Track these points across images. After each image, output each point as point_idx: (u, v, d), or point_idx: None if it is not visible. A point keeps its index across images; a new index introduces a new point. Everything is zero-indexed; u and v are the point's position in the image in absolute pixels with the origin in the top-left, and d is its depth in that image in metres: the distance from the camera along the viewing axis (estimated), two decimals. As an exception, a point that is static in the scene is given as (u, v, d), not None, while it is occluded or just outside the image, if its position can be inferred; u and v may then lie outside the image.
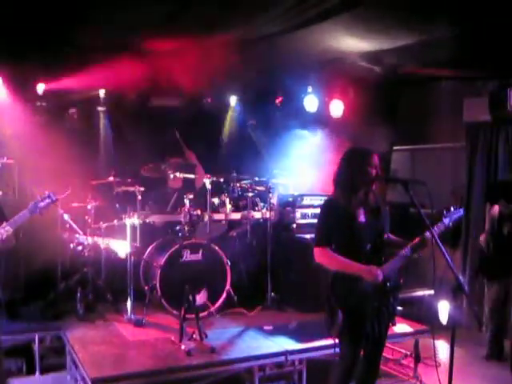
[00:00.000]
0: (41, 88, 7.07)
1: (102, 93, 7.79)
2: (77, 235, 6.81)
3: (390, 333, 4.71)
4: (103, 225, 6.76)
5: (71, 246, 6.78)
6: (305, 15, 5.18)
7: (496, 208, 6.00)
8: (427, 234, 4.13)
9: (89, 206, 6.77)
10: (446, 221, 4.32)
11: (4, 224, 4.32)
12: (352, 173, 4.22)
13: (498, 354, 6.39)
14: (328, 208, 4.31)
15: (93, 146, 7.84)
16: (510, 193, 5.90)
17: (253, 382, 5.21)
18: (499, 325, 6.37)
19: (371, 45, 6.22)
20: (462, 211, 4.42)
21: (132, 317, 6.25)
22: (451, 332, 3.93)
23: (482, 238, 6.18)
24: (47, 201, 4.51)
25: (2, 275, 6.32)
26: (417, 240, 4.23)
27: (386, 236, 4.37)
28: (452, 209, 4.37)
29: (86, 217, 6.80)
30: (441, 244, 3.99)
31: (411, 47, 6.12)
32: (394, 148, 9.13)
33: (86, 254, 6.71)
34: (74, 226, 6.76)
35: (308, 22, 5.34)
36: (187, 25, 5.53)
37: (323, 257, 4.20)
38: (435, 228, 4.18)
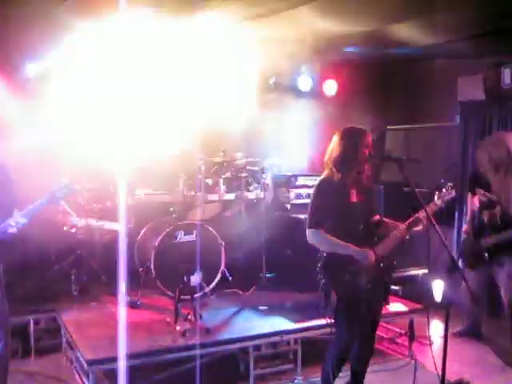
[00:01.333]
0: None
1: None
2: (70, 217, 6.78)
3: (384, 312, 4.76)
4: (97, 206, 6.74)
5: (65, 228, 6.74)
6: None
7: (476, 200, 6.02)
8: (420, 214, 4.14)
9: (82, 188, 6.73)
10: (439, 201, 4.33)
11: (17, 213, 4.15)
12: (345, 152, 4.21)
13: (477, 333, 6.46)
14: (321, 189, 4.30)
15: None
16: (483, 181, 5.91)
17: (248, 361, 5.22)
18: (481, 306, 6.41)
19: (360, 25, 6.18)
20: (454, 192, 4.43)
21: (127, 298, 6.25)
22: (445, 310, 3.95)
23: (464, 228, 6.21)
24: (64, 191, 4.37)
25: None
26: (409, 221, 4.24)
27: (378, 217, 4.37)
28: (444, 190, 4.38)
29: (80, 199, 6.76)
30: (435, 223, 4.01)
31: (404, 27, 6.08)
32: (388, 127, 9.12)
33: (80, 235, 6.70)
34: (67, 207, 6.72)
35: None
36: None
37: (316, 238, 4.20)
38: (428, 208, 4.19)
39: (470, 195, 6.22)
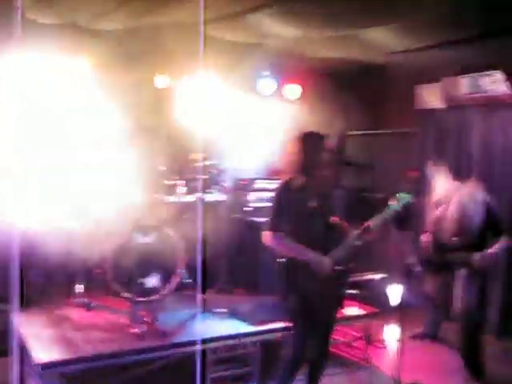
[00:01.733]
0: None
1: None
2: (26, 217, 6.66)
3: (340, 315, 4.78)
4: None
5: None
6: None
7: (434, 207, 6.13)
8: (370, 222, 4.20)
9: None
10: (396, 205, 4.39)
11: None
12: (305, 156, 4.23)
13: (433, 336, 6.59)
14: (281, 192, 4.31)
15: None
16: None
17: (205, 364, 5.19)
18: (438, 309, 6.54)
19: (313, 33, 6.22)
20: (410, 197, 4.49)
21: (83, 300, 6.16)
22: (401, 314, 3.99)
23: (424, 237, 6.26)
24: None
25: None
26: (363, 227, 4.29)
27: (336, 220, 4.40)
28: (401, 194, 4.44)
29: (36, 199, 6.65)
30: (391, 228, 4.05)
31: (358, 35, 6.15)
32: (349, 133, 9.19)
33: (36, 235, 6.57)
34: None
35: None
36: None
37: (273, 241, 4.21)
38: (385, 212, 4.24)
39: (430, 202, 6.29)
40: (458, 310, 5.84)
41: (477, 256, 5.53)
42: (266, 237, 4.23)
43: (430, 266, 6.21)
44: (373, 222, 4.27)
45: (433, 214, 6.17)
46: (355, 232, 4.34)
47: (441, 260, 5.98)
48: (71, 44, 5.99)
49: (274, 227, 4.22)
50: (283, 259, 4.24)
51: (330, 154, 4.28)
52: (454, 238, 5.80)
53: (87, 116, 6.81)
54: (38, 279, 6.46)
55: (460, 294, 5.83)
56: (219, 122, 8.31)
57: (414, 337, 6.53)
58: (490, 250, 5.54)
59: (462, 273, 5.83)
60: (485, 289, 5.82)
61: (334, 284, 4.32)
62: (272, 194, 4.43)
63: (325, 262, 4.16)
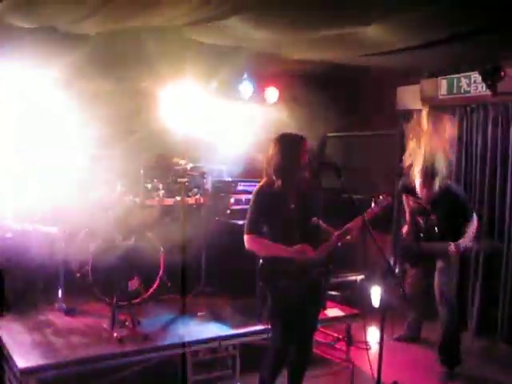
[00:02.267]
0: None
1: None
2: (5, 221, 6.60)
3: (322, 317, 4.80)
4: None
5: (-1, 232, 6.58)
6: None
7: (410, 202, 6.22)
8: (350, 225, 4.23)
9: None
10: (376, 208, 4.42)
11: None
12: (284, 158, 4.24)
13: (415, 337, 6.65)
14: (259, 195, 4.32)
15: None
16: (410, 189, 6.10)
17: (186, 367, 5.19)
18: (419, 310, 6.60)
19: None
20: (390, 199, 4.53)
21: (63, 305, 6.12)
22: (381, 315, 4.01)
23: (404, 229, 6.34)
24: None
25: None
26: (340, 231, 4.31)
27: (316, 221, 4.42)
28: (381, 196, 4.47)
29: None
30: (371, 229, 4.08)
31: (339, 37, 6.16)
32: (329, 134, 9.22)
33: (16, 240, 6.52)
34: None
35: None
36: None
37: (253, 243, 4.22)
38: (365, 214, 4.26)
39: (404, 197, 6.37)
40: (437, 299, 5.91)
41: (451, 245, 5.66)
42: (245, 239, 4.24)
43: (410, 257, 6.29)
44: (349, 227, 4.29)
45: (409, 206, 6.26)
46: (336, 233, 4.36)
47: (419, 250, 6.06)
48: (50, 48, 5.96)
49: (252, 229, 4.23)
50: (264, 261, 4.24)
51: (309, 156, 4.29)
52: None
53: (64, 119, 6.81)
54: (18, 284, 6.40)
55: (438, 283, 5.91)
56: (200, 125, 8.33)
57: (398, 339, 6.59)
58: (462, 239, 5.69)
59: (439, 263, 5.92)
60: (464, 280, 5.92)
61: (315, 284, 4.33)
62: (251, 197, 4.44)
63: (305, 247, 4.15)
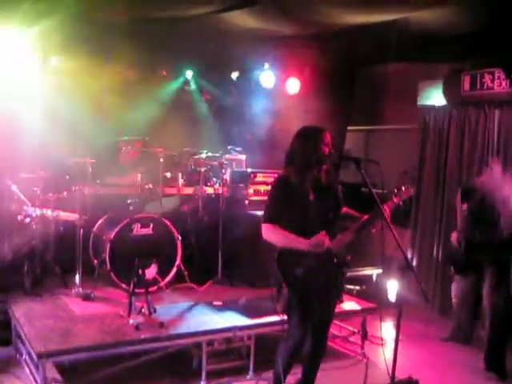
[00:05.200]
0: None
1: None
2: (25, 207, 6.65)
3: (338, 310, 4.78)
4: (52, 196, 6.63)
5: (19, 217, 6.62)
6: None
7: (465, 207, 6.06)
8: (377, 212, 4.17)
9: (37, 177, 6.63)
10: (396, 199, 4.38)
11: None
12: (305, 150, 4.22)
13: (465, 339, 6.52)
14: (279, 185, 4.31)
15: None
16: (472, 196, 5.95)
17: (201, 356, 5.21)
18: (467, 314, 6.47)
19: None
20: (412, 191, 4.49)
21: (80, 291, 6.17)
22: (397, 310, 3.99)
23: (454, 235, 6.16)
24: None
25: None
26: (366, 217, 4.27)
27: (343, 210, 4.42)
28: (403, 188, 4.43)
29: (35, 188, 6.64)
30: (390, 223, 4.05)
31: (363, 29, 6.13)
32: (349, 128, 9.19)
33: (34, 226, 6.57)
34: (22, 197, 6.60)
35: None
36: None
37: (271, 233, 4.20)
38: (385, 207, 4.23)
39: (460, 204, 6.23)
40: (485, 309, 5.84)
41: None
42: (263, 228, 4.23)
43: (458, 266, 6.17)
44: (375, 213, 4.24)
45: (463, 212, 6.10)
46: (357, 225, 4.33)
47: (470, 259, 5.95)
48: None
49: (270, 218, 4.22)
50: (281, 250, 4.22)
51: (330, 148, 4.26)
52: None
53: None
54: (36, 269, 6.45)
55: (489, 293, 5.82)
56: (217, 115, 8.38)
57: (445, 339, 6.55)
58: None
59: (490, 272, 5.82)
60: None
61: (332, 276, 4.32)
62: (270, 187, 4.44)
63: (321, 237, 4.13)
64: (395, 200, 4.37)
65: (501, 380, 5.61)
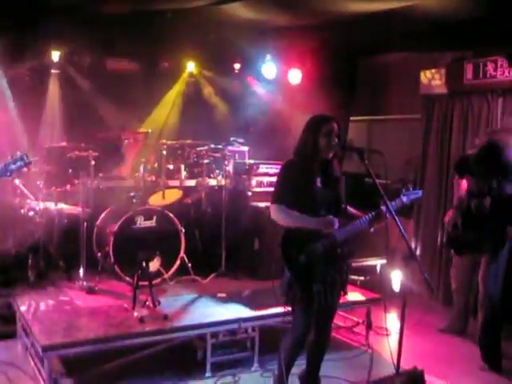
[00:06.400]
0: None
1: (55, 56, 7.62)
2: (28, 200, 6.66)
3: (342, 301, 4.76)
4: (55, 190, 6.63)
5: (22, 211, 6.63)
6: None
7: (464, 184, 5.95)
8: (384, 207, 4.15)
9: (40, 171, 6.63)
10: (404, 199, 4.35)
11: None
12: (314, 139, 4.21)
13: (461, 329, 6.48)
14: (287, 168, 4.31)
15: (44, 110, 7.71)
16: (473, 168, 5.84)
17: (205, 348, 5.21)
18: (465, 301, 6.43)
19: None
20: (420, 193, 4.46)
21: (84, 284, 6.18)
22: (402, 300, 3.99)
23: (450, 213, 6.07)
24: (19, 163, 4.21)
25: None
26: (374, 214, 4.24)
27: (344, 206, 4.39)
28: (411, 188, 4.40)
29: (38, 182, 6.64)
30: (395, 215, 4.03)
31: (364, 19, 6.09)
32: (351, 118, 9.15)
33: (38, 219, 6.58)
34: (26, 190, 6.60)
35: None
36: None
37: (280, 213, 4.19)
38: (392, 204, 4.19)
39: (456, 179, 6.16)
40: (480, 293, 5.75)
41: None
42: (272, 209, 4.22)
43: (456, 245, 6.04)
44: (382, 209, 4.21)
45: (463, 191, 5.98)
46: (365, 216, 4.30)
47: (468, 237, 5.82)
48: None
49: (279, 199, 4.21)
50: (285, 238, 4.20)
51: (336, 137, 4.23)
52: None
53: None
54: (40, 263, 6.46)
55: (483, 278, 5.68)
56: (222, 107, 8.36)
57: (442, 330, 6.52)
58: None
59: (487, 255, 5.65)
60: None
61: (337, 266, 4.30)
62: (279, 169, 4.42)
63: (331, 219, 4.13)
64: (404, 200, 4.35)
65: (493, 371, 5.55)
